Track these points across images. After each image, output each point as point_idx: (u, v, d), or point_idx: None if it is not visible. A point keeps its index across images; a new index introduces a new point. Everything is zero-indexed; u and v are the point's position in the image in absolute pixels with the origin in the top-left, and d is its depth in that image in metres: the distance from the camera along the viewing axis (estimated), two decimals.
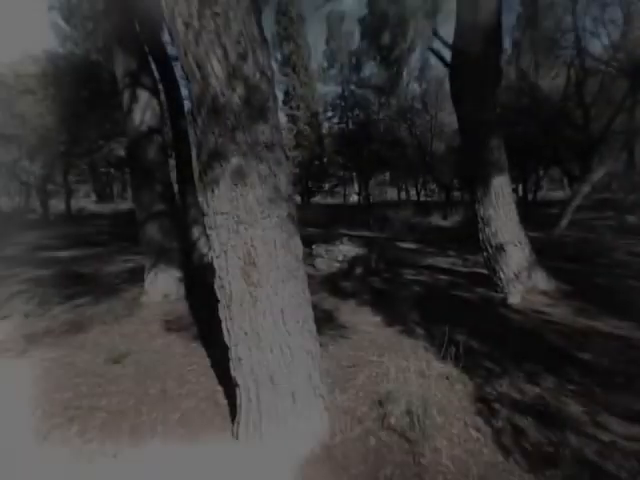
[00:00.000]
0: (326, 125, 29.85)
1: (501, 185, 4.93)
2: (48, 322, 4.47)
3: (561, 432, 2.16)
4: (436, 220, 14.97)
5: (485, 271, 5.38)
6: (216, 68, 1.89)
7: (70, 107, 16.64)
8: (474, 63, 4.74)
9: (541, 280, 4.98)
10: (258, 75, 1.96)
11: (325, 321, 4.07)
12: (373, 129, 23.25)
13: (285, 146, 2.21)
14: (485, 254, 5.19)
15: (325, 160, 27.49)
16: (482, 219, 5.10)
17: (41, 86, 16.67)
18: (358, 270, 6.69)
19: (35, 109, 17.40)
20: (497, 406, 2.43)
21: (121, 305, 4.99)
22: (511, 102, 13.84)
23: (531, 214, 12.09)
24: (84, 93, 16.09)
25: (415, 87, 22.70)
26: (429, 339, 3.53)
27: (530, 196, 20.77)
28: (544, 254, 5.57)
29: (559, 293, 4.89)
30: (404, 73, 22.12)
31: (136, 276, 6.32)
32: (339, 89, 27.94)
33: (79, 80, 15.83)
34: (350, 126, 26.80)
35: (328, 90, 29.77)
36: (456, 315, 4.21)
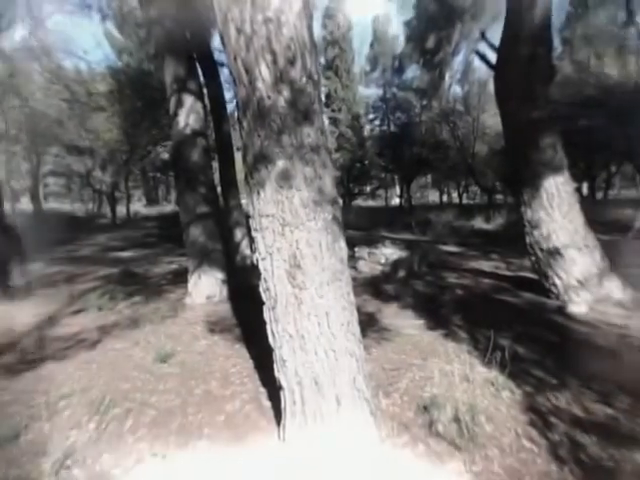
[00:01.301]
0: (367, 127, 29.77)
1: (556, 185, 4.61)
2: (115, 316, 4.77)
3: (629, 452, 2.00)
4: (479, 223, 14.50)
5: (532, 275, 5.10)
6: (264, 72, 1.90)
7: (129, 118, 17.66)
8: (522, 63, 4.55)
9: (615, 289, 4.51)
10: (305, 79, 1.96)
11: (368, 324, 4.04)
12: (415, 131, 22.94)
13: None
14: (533, 258, 4.91)
15: (366, 162, 27.39)
16: (529, 222, 4.83)
17: (109, 104, 17.92)
18: (401, 273, 6.61)
19: (106, 125, 18.94)
20: (553, 419, 2.29)
21: (166, 306, 5.14)
22: (571, 95, 12.86)
23: (599, 215, 11.22)
24: (138, 103, 16.99)
25: (457, 90, 22.28)
26: (473, 343, 3.48)
27: (600, 195, 19.33)
28: (617, 259, 5.11)
29: (637, 304, 4.40)
30: (446, 76, 21.74)
31: (180, 278, 6.53)
32: (380, 92, 27.84)
33: (135, 91, 16.77)
34: (392, 128, 26.54)
35: (370, 93, 29.66)
36: (501, 320, 4.07)
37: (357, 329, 2.18)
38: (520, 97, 4.68)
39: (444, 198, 30.35)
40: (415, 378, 2.89)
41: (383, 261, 6.92)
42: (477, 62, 20.61)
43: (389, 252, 7.04)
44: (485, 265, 7.36)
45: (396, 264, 6.77)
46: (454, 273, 6.71)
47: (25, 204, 23.50)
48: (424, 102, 23.14)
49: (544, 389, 2.62)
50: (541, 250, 4.73)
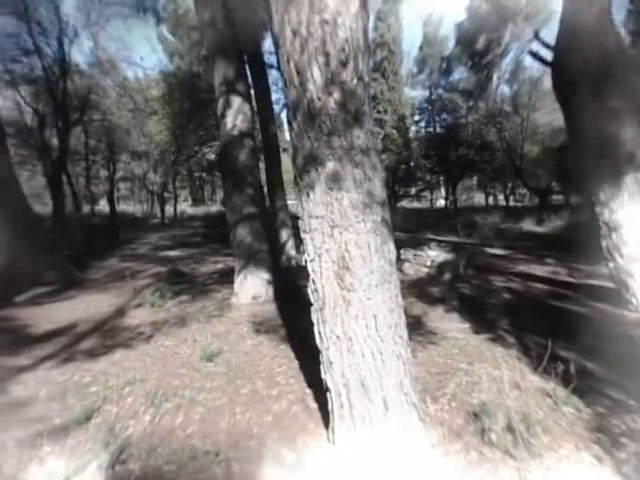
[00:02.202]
0: (413, 129, 29.61)
1: (638, 182, 4.18)
2: (165, 313, 4.97)
3: None
4: (528, 226, 13.83)
5: (606, 283, 4.74)
6: (315, 74, 1.91)
7: (177, 120, 18.69)
8: (588, 55, 4.27)
9: None
10: (355, 80, 1.95)
11: (414, 327, 3.99)
12: (461, 133, 22.67)
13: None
14: (611, 264, 4.43)
15: (412, 164, 27.29)
16: (606, 224, 4.38)
17: (161, 107, 19.20)
18: (446, 275, 6.50)
19: (157, 127, 20.44)
20: (625, 440, 2.13)
21: (213, 305, 5.28)
22: None
23: None
24: (186, 105, 17.84)
25: (505, 90, 21.60)
26: (522, 349, 3.39)
27: None
28: None
29: None
30: (494, 77, 21.14)
31: (225, 277, 6.71)
32: (426, 93, 27.59)
33: (184, 93, 17.64)
34: (437, 130, 26.32)
35: (415, 94, 29.49)
36: (562, 329, 3.82)
37: (404, 332, 2.15)
38: (587, 90, 4.33)
39: (490, 200, 29.61)
40: (462, 383, 2.84)
41: (429, 263, 6.84)
42: (528, 61, 19.81)
43: (435, 254, 6.97)
44: (539, 270, 7.05)
45: (442, 266, 6.68)
46: (501, 277, 6.53)
47: (102, 206, 25.91)
48: (470, 103, 22.77)
49: (619, 411, 2.39)
50: (621, 255, 4.29)
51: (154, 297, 5.44)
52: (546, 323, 4.01)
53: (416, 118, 29.12)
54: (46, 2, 13.02)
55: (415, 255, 7.11)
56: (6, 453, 2.17)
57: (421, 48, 27.53)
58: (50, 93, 14.02)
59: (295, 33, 1.91)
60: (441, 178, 27.63)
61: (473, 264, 7.08)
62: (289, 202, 8.90)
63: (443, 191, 29.85)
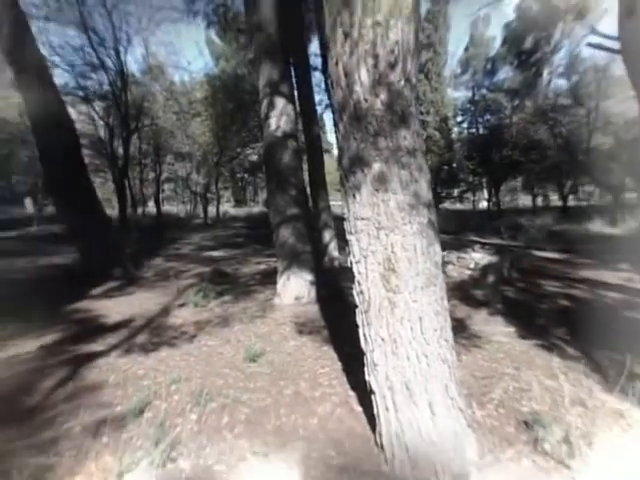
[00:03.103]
0: (455, 130, 29.53)
1: None
2: (208, 313, 5.17)
3: None
4: (597, 227, 12.96)
5: None
6: (363, 76, 1.95)
7: (220, 121, 19.56)
8: None
9: None
10: (403, 82, 1.97)
11: (457, 330, 3.99)
12: (505, 133, 22.05)
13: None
14: None
15: (454, 165, 27.21)
16: None
17: (204, 108, 20.25)
18: (490, 278, 6.42)
19: (200, 129, 21.59)
20: None
21: (255, 306, 5.43)
22: None
23: None
24: (229, 106, 18.55)
25: (560, 84, 20.87)
26: (591, 363, 3.22)
27: None
28: None
29: None
30: (544, 73, 20.46)
31: (268, 278, 6.90)
32: (469, 94, 27.56)
33: (227, 95, 18.44)
34: (480, 131, 26.13)
35: (458, 95, 29.61)
36: None
37: (450, 335, 2.15)
38: None
39: (539, 201, 28.59)
40: (509, 389, 2.81)
41: (472, 266, 6.80)
42: (587, 52, 19.05)
43: (478, 257, 6.92)
44: (609, 276, 6.67)
45: (485, 269, 6.61)
46: (556, 282, 6.33)
47: (150, 207, 27.82)
48: (516, 102, 22.42)
49: None
50: None
51: (198, 297, 5.65)
52: (621, 336, 3.61)
53: (459, 119, 29.15)
54: (98, 8, 14.15)
55: (458, 257, 7.09)
56: (69, 442, 2.34)
57: (466, 49, 27.94)
58: (117, 106, 15.60)
59: (346, 36, 1.95)
60: (484, 179, 27.20)
61: (518, 267, 6.97)
62: (332, 203, 9.02)
63: (486, 193, 29.42)
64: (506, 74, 23.93)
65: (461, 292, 5.78)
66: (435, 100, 27.32)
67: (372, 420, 2.29)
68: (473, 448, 2.12)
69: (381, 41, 1.90)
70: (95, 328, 4.61)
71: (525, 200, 30.16)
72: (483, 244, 8.35)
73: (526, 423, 2.32)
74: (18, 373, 3.39)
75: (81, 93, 15.91)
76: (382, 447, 2.18)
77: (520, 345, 3.69)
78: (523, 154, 21.15)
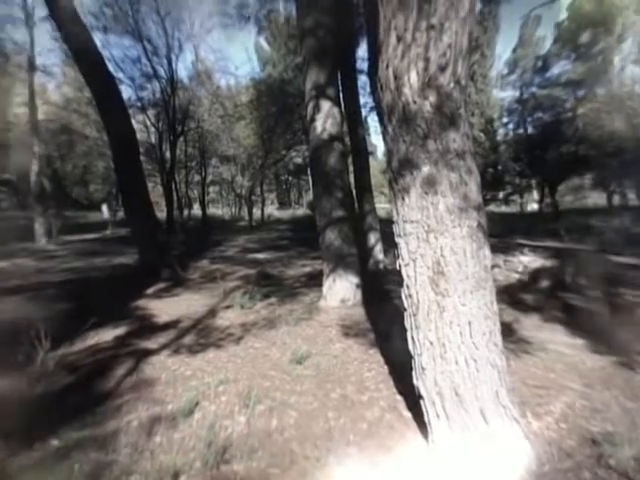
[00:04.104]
0: (501, 131, 28.73)
1: None
2: (254, 315, 5.32)
3: None
4: None
5: None
6: (412, 79, 1.98)
7: (265, 124, 20.17)
8: None
9: None
10: (453, 84, 1.99)
11: (505, 334, 3.82)
12: (565, 129, 20.67)
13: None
14: None
15: (500, 167, 26.54)
16: None
17: (249, 112, 21.00)
18: (544, 283, 6.19)
19: (245, 132, 22.41)
20: None
21: (301, 308, 5.52)
22: None
23: None
24: (273, 109, 19.09)
25: (636, 71, 19.30)
26: None
27: None
28: None
29: None
30: (615, 60, 19.09)
31: (313, 280, 7.03)
32: (516, 93, 26.70)
33: (272, 98, 18.99)
34: (530, 131, 25.03)
35: (504, 95, 28.91)
36: None
37: (499, 339, 2.14)
38: None
39: (614, 200, 26.26)
40: (575, 405, 2.66)
41: (520, 269, 6.65)
42: None
43: (528, 260, 6.82)
44: None
45: (538, 273, 6.43)
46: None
47: (195, 209, 29.28)
48: (579, 95, 20.96)
49: None
50: None
51: (243, 299, 5.81)
52: None
53: (504, 120, 28.29)
54: (152, 15, 15.08)
55: (505, 260, 6.98)
56: (127, 437, 2.49)
57: (514, 50, 27.54)
58: (166, 112, 16.65)
59: (399, 39, 1.98)
60: (533, 181, 26.06)
61: (587, 273, 6.49)
62: (377, 205, 9.02)
63: (535, 194, 28.28)
64: (561, 69, 22.97)
65: (508, 296, 5.63)
66: (480, 102, 27.07)
67: (422, 426, 2.29)
68: (530, 457, 2.08)
69: (434, 44, 1.92)
70: (149, 326, 4.92)
71: (595, 199, 28.32)
72: (534, 247, 8.00)
73: (593, 440, 2.23)
74: (98, 360, 3.82)
75: (139, 104, 17.25)
76: (435, 454, 2.17)
77: (592, 360, 3.45)
78: (594, 148, 19.46)
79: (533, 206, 28.89)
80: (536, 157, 21.41)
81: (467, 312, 2.03)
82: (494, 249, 2.23)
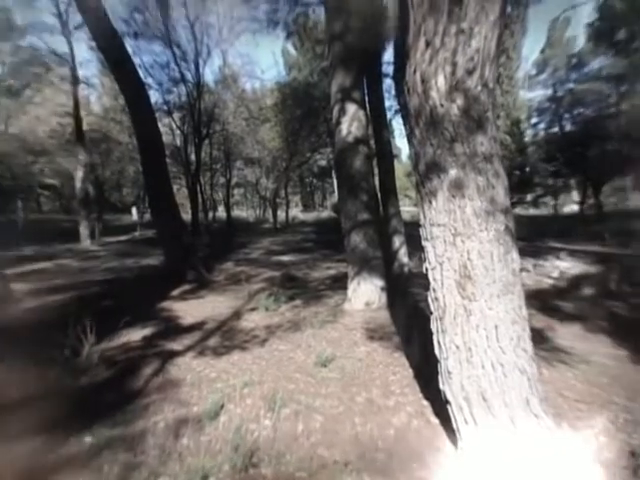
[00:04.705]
0: (529, 132, 28.05)
1: None
2: (279, 318, 5.37)
3: None
4: None
5: None
6: (440, 82, 2.00)
7: (290, 127, 20.42)
8: None
9: None
10: (480, 87, 1.99)
11: (535, 340, 3.70)
12: (608, 125, 19.45)
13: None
14: None
15: (527, 169, 25.79)
16: None
17: (274, 114, 21.32)
18: (588, 290, 5.97)
19: (270, 135, 22.75)
20: None
21: (326, 311, 5.54)
22: None
23: None
24: (297, 112, 19.29)
25: None
26: None
27: None
28: None
29: None
30: None
31: (337, 283, 7.04)
32: (548, 92, 25.90)
33: (297, 101, 19.19)
34: (567, 128, 24.08)
35: (533, 96, 28.10)
36: None
37: (529, 345, 2.11)
38: None
39: None
40: (617, 419, 2.54)
41: (556, 274, 6.46)
42: None
43: (566, 265, 6.59)
44: None
45: (577, 279, 6.21)
46: None
47: (219, 212, 29.87)
48: (622, 89, 19.79)
49: None
50: None
51: (268, 301, 5.86)
52: None
53: (533, 120, 27.57)
54: (182, 20, 15.49)
55: (535, 265, 6.79)
56: (154, 439, 2.53)
57: (543, 51, 27.29)
58: (191, 115, 17.11)
59: (428, 44, 1.99)
60: (571, 181, 25.29)
61: (634, 280, 6.21)
62: (402, 209, 8.96)
63: (575, 195, 27.47)
64: (600, 64, 21.87)
65: (539, 301, 5.47)
66: (506, 103, 26.66)
67: (450, 432, 2.28)
68: (562, 468, 2.01)
69: (462, 49, 1.93)
70: (175, 328, 5.02)
71: (636, 200, 26.99)
72: (572, 251, 7.75)
73: (632, 453, 2.17)
74: (129, 358, 3.94)
75: (165, 107, 17.76)
76: (465, 462, 2.15)
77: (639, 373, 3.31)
78: (637, 146, 18.80)
79: (572, 207, 27.96)
80: (576, 155, 20.42)
81: (494, 316, 2.02)
82: (521, 253, 2.19)
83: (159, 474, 2.20)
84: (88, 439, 2.52)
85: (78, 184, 16.16)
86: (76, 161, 16.17)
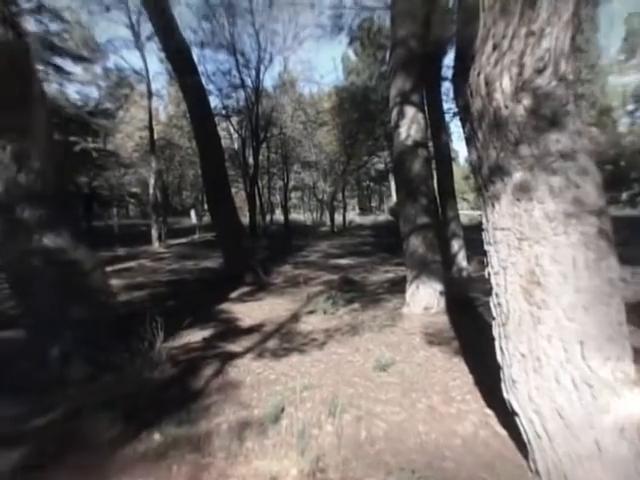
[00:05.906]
0: (624, 121, 25.26)
1: None
2: (337, 321, 5.37)
3: None
4: None
5: None
6: (505, 84, 1.93)
7: (347, 130, 20.56)
8: None
9: None
10: (554, 82, 1.88)
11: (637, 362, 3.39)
12: None
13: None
14: None
15: (623, 164, 22.87)
16: None
17: (331, 118, 21.63)
18: None
19: (327, 138, 23.11)
20: None
21: (384, 314, 5.49)
22: None
23: None
24: (354, 116, 19.34)
25: None
26: None
27: None
28: None
29: None
30: None
31: (396, 287, 6.94)
32: None
33: (354, 105, 19.26)
34: None
35: (628, 81, 25.29)
36: None
37: (631, 368, 1.89)
38: None
39: None
40: None
41: None
42: None
43: None
44: None
45: None
46: None
47: (277, 215, 30.72)
48: None
49: None
50: None
51: (327, 304, 5.87)
52: None
53: (629, 108, 24.83)
54: (248, 28, 16.08)
55: (634, 273, 6.16)
56: (219, 441, 2.56)
57: (626, 39, 25.71)
58: (249, 119, 17.74)
59: (495, 47, 1.93)
60: None
61: None
62: (461, 212, 8.73)
63: None
64: None
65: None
66: (589, 93, 24.33)
67: (520, 444, 2.19)
68: None
69: (531, 51, 1.86)
70: (234, 329, 5.13)
71: None
72: None
73: None
74: (190, 358, 4.05)
75: (224, 112, 18.50)
76: (537, 473, 2.05)
77: None
78: None
79: None
80: None
81: (577, 330, 1.84)
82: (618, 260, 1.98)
83: (228, 476, 2.21)
84: (157, 436, 2.61)
85: (151, 190, 17.25)
86: (150, 169, 17.30)
